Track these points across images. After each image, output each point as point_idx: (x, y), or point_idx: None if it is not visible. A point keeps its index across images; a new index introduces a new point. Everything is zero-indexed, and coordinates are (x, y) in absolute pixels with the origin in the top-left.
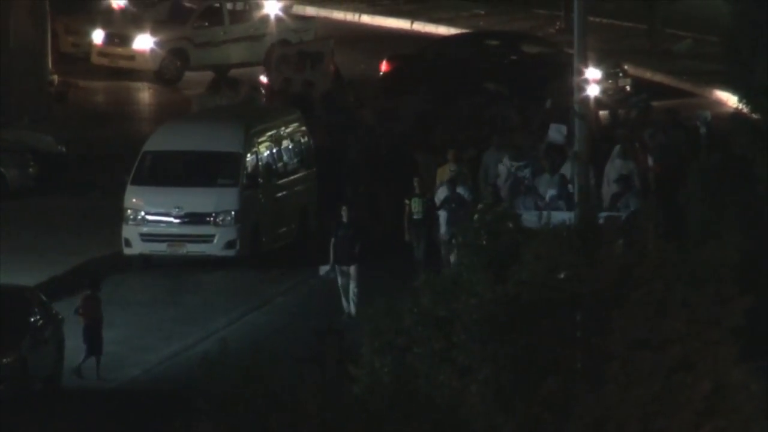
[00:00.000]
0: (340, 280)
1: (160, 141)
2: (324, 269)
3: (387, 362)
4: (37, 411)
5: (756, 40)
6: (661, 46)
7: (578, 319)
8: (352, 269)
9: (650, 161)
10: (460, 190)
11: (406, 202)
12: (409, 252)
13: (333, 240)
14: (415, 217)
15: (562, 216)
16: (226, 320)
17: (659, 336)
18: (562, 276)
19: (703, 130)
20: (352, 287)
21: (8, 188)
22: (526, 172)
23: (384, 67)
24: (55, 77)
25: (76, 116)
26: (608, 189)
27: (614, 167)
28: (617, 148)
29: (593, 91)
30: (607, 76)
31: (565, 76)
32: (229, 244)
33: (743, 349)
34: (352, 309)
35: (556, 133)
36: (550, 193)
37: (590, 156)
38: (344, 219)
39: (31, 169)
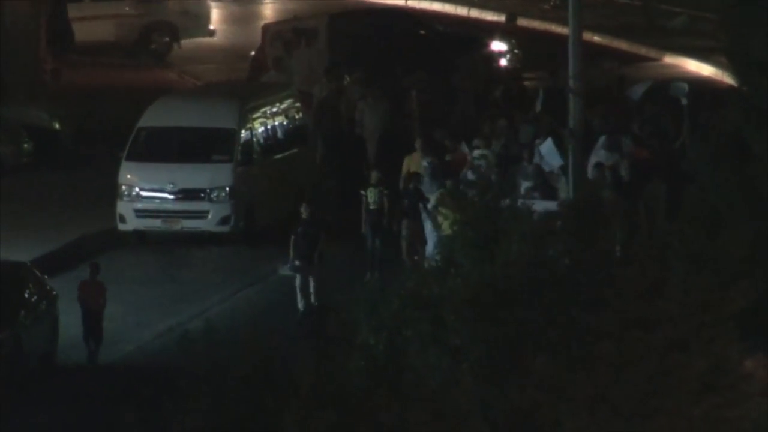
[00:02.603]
0: (298, 278)
1: (154, 117)
2: (284, 269)
3: (382, 339)
4: (31, 388)
5: (752, 16)
6: (656, 23)
7: (571, 298)
8: (313, 267)
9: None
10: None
11: (362, 193)
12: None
13: (293, 237)
14: (370, 207)
15: (544, 205)
16: (220, 296)
17: (652, 316)
18: (550, 254)
19: (684, 101)
20: (313, 285)
21: (3, 164)
22: (483, 162)
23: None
24: (50, 54)
25: (70, 93)
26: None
27: (598, 158)
28: (602, 138)
29: (503, 62)
30: (509, 49)
31: (473, 52)
32: (224, 220)
33: (740, 327)
34: (313, 301)
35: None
36: (525, 185)
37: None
38: (304, 215)
39: (25, 146)
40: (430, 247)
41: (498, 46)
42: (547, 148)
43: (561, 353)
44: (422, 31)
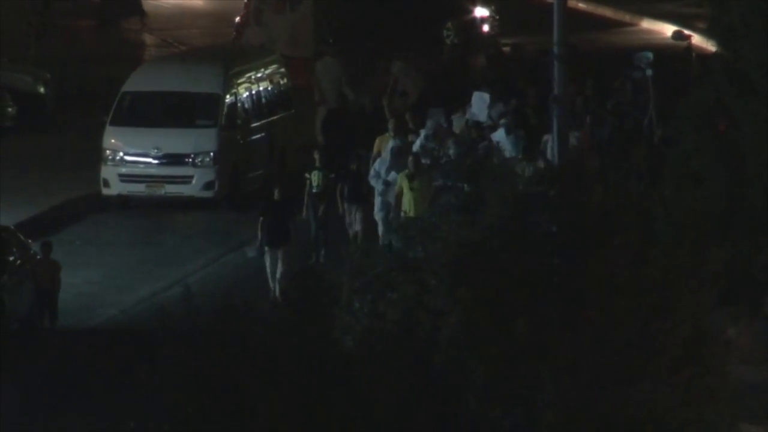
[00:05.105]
0: (268, 262)
1: (139, 81)
2: (251, 251)
3: (366, 302)
4: (14, 351)
5: None
6: None
7: (553, 263)
8: (282, 251)
9: None
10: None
11: (307, 176)
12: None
13: (261, 220)
14: (314, 191)
15: None
16: (203, 261)
17: (637, 283)
18: (532, 218)
19: (648, 72)
20: (280, 268)
21: None
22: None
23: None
24: (34, 17)
25: (56, 56)
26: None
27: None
28: None
29: (485, 27)
30: (492, 14)
31: (459, 15)
32: (208, 185)
33: (721, 293)
34: (277, 290)
35: (479, 101)
36: None
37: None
38: (276, 197)
39: (9, 109)
40: (380, 228)
41: (480, 11)
42: (500, 136)
43: (542, 317)
44: None
